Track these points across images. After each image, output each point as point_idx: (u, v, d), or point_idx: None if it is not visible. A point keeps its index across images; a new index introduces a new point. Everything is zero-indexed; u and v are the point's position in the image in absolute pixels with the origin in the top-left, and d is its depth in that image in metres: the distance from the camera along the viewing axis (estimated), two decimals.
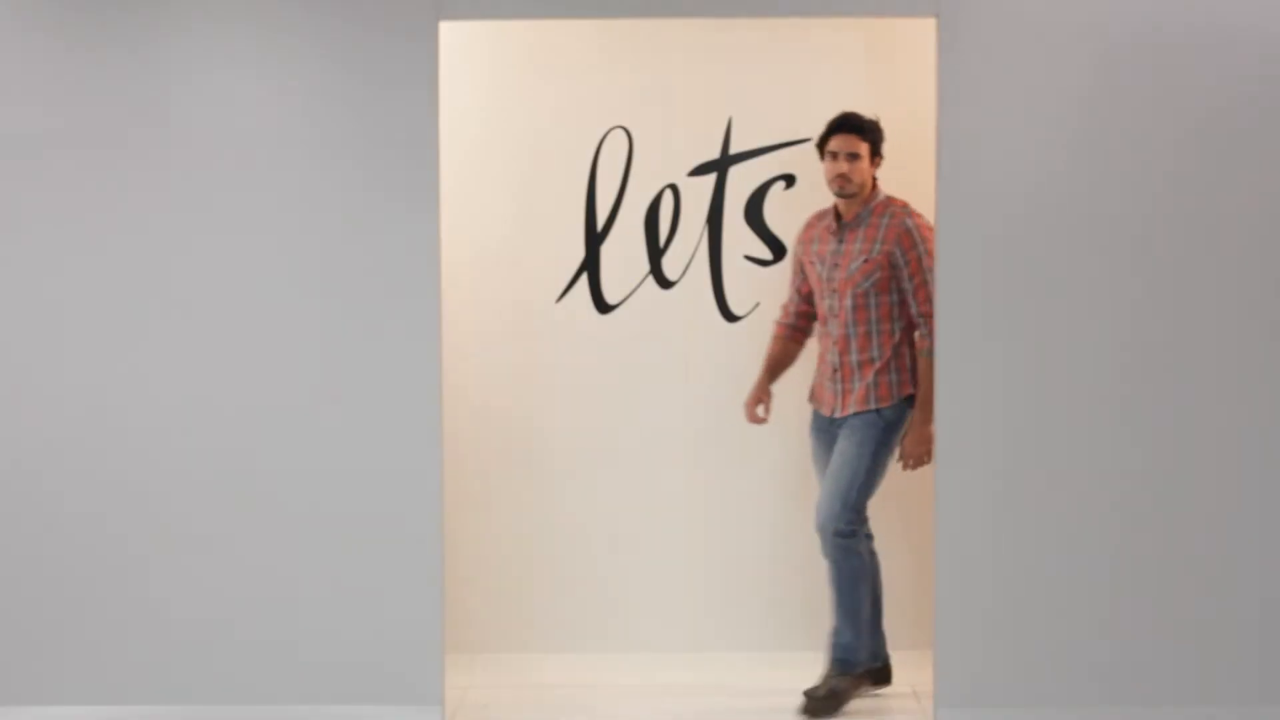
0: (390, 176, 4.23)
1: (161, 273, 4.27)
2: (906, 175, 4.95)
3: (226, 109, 4.24)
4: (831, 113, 5.03)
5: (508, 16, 4.34)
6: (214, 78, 4.24)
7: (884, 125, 4.94)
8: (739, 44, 5.01)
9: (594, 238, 5.08)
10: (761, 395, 4.68)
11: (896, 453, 4.46)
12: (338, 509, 4.29)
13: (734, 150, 5.06)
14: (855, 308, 4.38)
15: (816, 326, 4.59)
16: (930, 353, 4.29)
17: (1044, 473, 4.22)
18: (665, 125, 5.12)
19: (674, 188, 5.08)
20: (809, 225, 4.59)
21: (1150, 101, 4.16)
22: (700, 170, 5.06)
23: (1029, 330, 4.20)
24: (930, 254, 4.29)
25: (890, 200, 4.42)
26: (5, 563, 4.32)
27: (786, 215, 5.02)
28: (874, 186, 4.45)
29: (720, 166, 5.06)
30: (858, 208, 4.42)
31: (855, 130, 4.40)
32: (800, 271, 4.61)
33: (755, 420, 4.69)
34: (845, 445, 4.39)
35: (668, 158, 5.02)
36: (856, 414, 4.40)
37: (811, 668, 4.62)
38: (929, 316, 4.31)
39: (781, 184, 5.06)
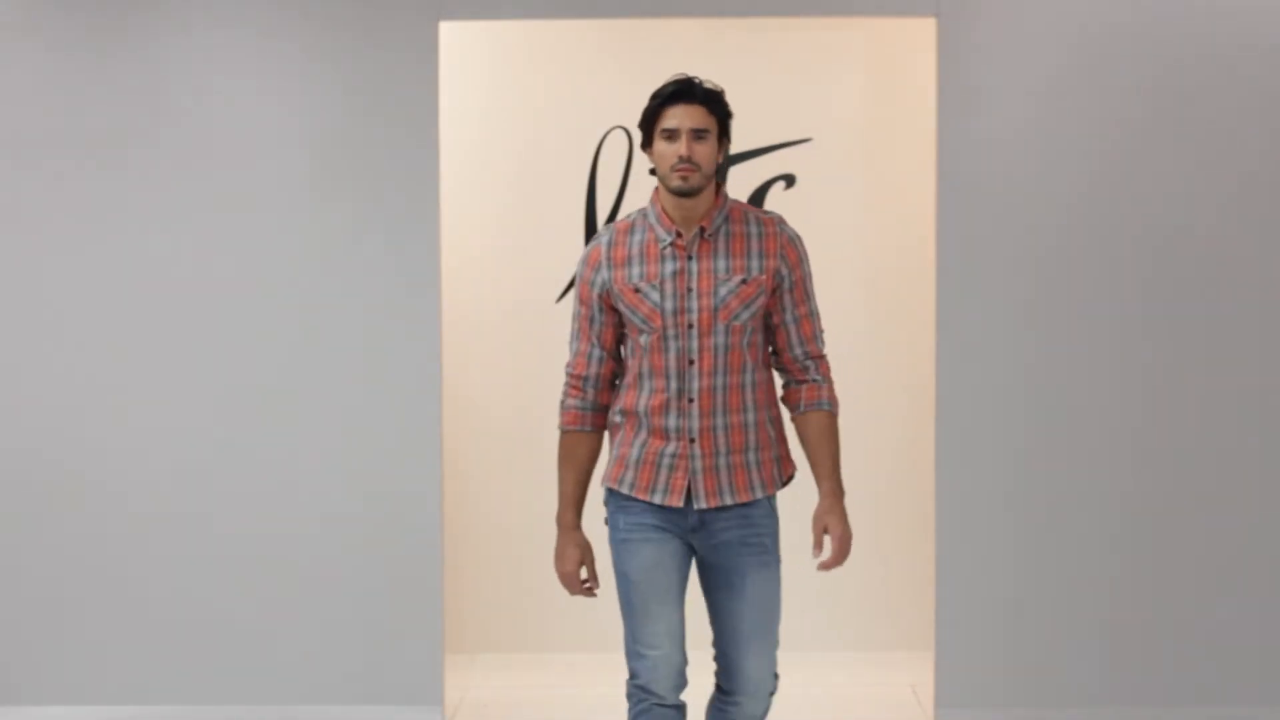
0: (391, 176, 4.23)
1: (162, 273, 4.28)
2: (907, 175, 4.96)
3: (226, 110, 4.25)
4: (832, 112, 5.03)
5: (508, 16, 4.34)
6: (214, 79, 4.25)
7: (884, 125, 4.93)
8: (739, 44, 5.01)
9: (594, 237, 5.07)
10: (582, 553, 3.13)
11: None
12: (338, 509, 4.29)
13: (734, 150, 5.05)
14: (729, 349, 3.03)
15: (637, 385, 3.08)
16: (832, 404, 3.12)
17: (1044, 473, 4.22)
18: None
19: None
20: (613, 244, 3.10)
21: (1149, 101, 4.16)
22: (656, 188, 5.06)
23: (1029, 330, 4.20)
24: (811, 274, 3.17)
25: (743, 204, 3.18)
26: (5, 563, 4.32)
27: (786, 215, 5.01)
28: (718, 185, 3.14)
29: (720, 166, 5.04)
30: (709, 210, 3.07)
31: (703, 99, 3.06)
32: (599, 314, 3.10)
33: (585, 593, 3.16)
34: (752, 561, 3.07)
35: None
36: (743, 505, 3.07)
37: (814, 668, 4.63)
38: (820, 357, 3.14)
39: (781, 184, 5.06)
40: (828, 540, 3.08)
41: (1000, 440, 4.21)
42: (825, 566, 3.08)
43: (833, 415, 3.14)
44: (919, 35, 4.62)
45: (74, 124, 4.25)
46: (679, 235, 3.06)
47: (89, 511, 4.31)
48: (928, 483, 4.40)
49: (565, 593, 3.14)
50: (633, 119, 5.06)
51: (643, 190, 5.05)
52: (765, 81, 5.02)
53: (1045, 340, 4.20)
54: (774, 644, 3.12)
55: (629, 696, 3.10)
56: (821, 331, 3.16)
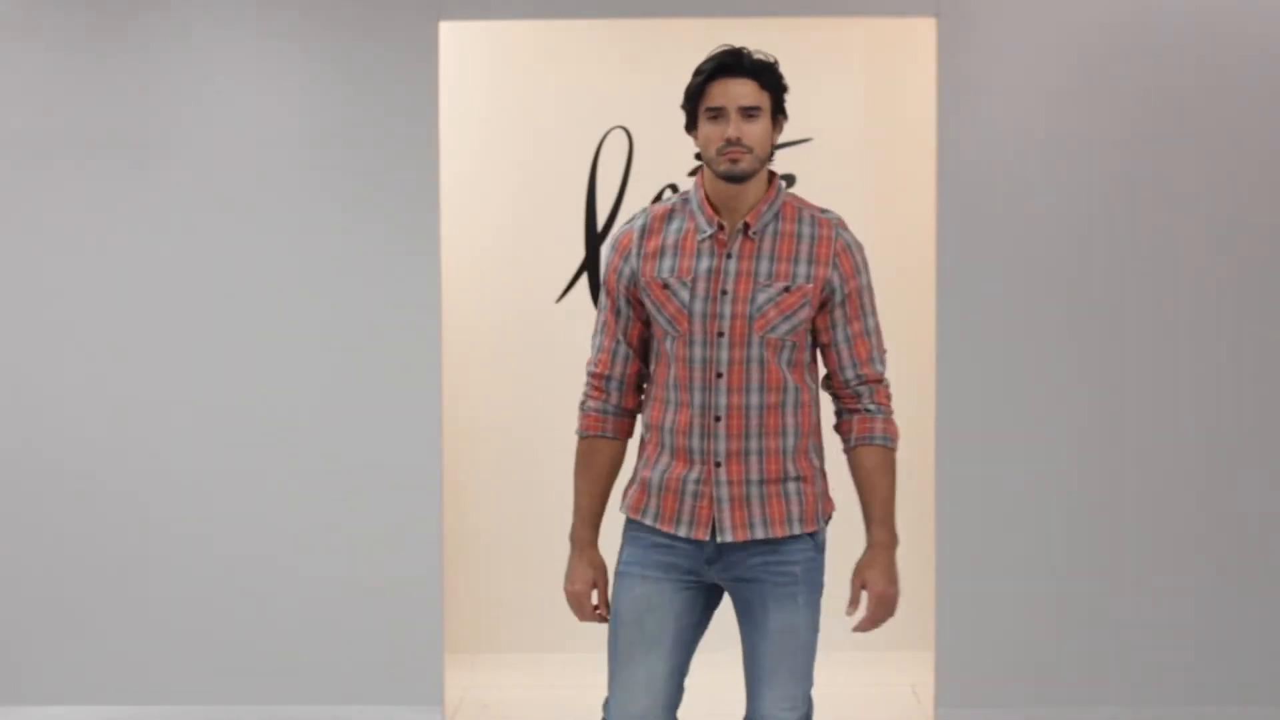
0: (391, 176, 4.23)
1: (161, 273, 4.28)
2: (907, 175, 4.96)
3: (226, 110, 4.25)
4: (832, 112, 5.03)
5: (508, 16, 4.34)
6: (214, 79, 4.25)
7: (884, 125, 4.92)
8: (739, 44, 5.00)
9: (594, 238, 5.07)
10: (595, 574, 2.81)
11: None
12: (338, 509, 4.29)
13: None
14: (763, 365, 2.66)
15: (662, 397, 2.73)
16: (888, 439, 2.74)
17: (1044, 473, 4.22)
18: (665, 125, 5.11)
19: (674, 188, 5.07)
20: (647, 231, 2.74)
21: (1148, 100, 4.16)
22: (699, 170, 5.05)
23: (1029, 330, 4.20)
24: (872, 286, 2.81)
25: (800, 199, 2.78)
26: (6, 563, 4.32)
27: None
28: (771, 173, 2.76)
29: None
30: (757, 204, 2.70)
31: (752, 73, 2.67)
32: (626, 308, 2.76)
33: (596, 618, 2.84)
34: (775, 591, 2.71)
35: (668, 158, 5.02)
36: (774, 542, 2.70)
37: (819, 667, 4.61)
38: (877, 382, 2.76)
39: (781, 184, 5.05)
40: (865, 597, 2.74)
41: (1000, 440, 4.21)
42: (859, 628, 2.76)
43: (888, 451, 2.72)
44: (919, 35, 4.62)
45: (74, 124, 4.25)
46: (721, 228, 2.67)
47: (89, 512, 4.31)
48: (928, 483, 4.40)
49: (565, 592, 2.84)
50: (633, 119, 5.10)
51: (644, 190, 5.05)
52: None
53: (1045, 340, 4.20)
54: (799, 682, 2.75)
55: None
56: (882, 353, 2.77)
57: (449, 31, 4.40)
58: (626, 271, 2.72)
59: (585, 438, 2.79)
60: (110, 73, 4.24)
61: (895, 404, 4.75)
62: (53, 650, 4.33)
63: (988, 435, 4.21)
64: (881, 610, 2.75)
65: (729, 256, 2.67)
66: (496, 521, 5.14)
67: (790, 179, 5.05)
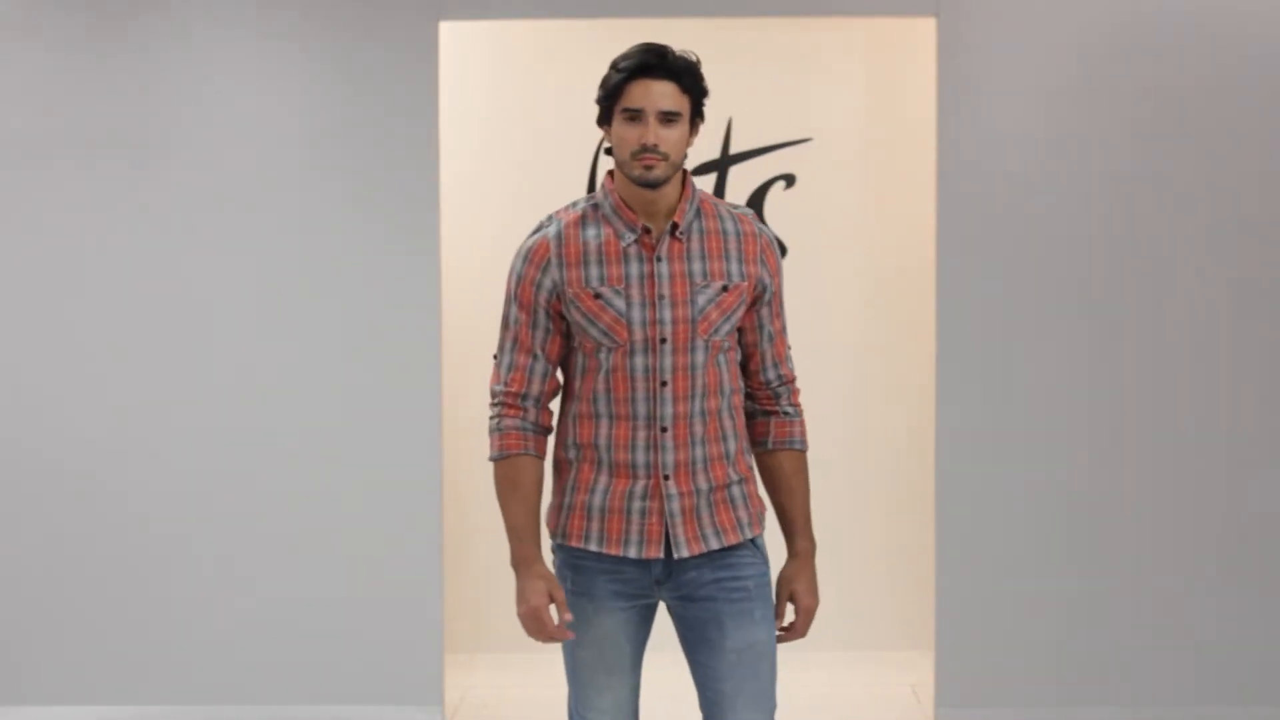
0: (391, 176, 4.23)
1: (161, 273, 4.28)
2: (907, 175, 4.96)
3: (226, 110, 4.25)
4: (832, 112, 5.03)
5: (508, 16, 4.34)
6: (214, 79, 4.25)
7: (884, 125, 4.91)
8: (739, 44, 5.01)
9: None
10: (549, 587, 2.65)
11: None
12: (339, 509, 4.29)
13: (734, 150, 5.05)
14: (705, 368, 2.56)
15: (590, 412, 2.61)
16: (804, 443, 2.68)
17: (1044, 473, 4.22)
18: None
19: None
20: (563, 239, 2.58)
21: (1148, 100, 4.16)
22: (700, 170, 5.06)
23: (1029, 330, 4.20)
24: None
25: (709, 195, 2.67)
26: (5, 563, 4.32)
27: (786, 215, 5.02)
28: (684, 170, 2.63)
29: (720, 166, 5.06)
30: (678, 202, 2.58)
31: (674, 75, 2.52)
32: (546, 320, 2.60)
33: (558, 635, 2.68)
34: (730, 609, 2.59)
35: None
36: (726, 550, 2.60)
37: (814, 668, 4.62)
38: (792, 382, 2.69)
39: (781, 184, 5.06)
40: (790, 608, 2.65)
41: (1000, 440, 4.21)
42: (786, 639, 2.65)
43: (804, 455, 2.67)
44: (919, 35, 4.62)
45: (74, 124, 4.25)
46: (646, 231, 2.55)
47: (89, 511, 4.31)
48: (928, 483, 4.40)
49: (519, 616, 2.72)
50: None
51: None
52: (766, 81, 5.02)
53: (1045, 340, 4.20)
54: (764, 705, 2.60)
55: None
56: (790, 349, 2.69)
57: (449, 31, 4.40)
58: (547, 283, 2.56)
59: (507, 458, 2.61)
60: (110, 73, 4.24)
61: (895, 402, 4.77)
62: (53, 650, 4.33)
63: (988, 435, 4.21)
64: (808, 623, 2.67)
65: (659, 259, 2.55)
66: (496, 521, 5.11)
67: (790, 179, 5.05)
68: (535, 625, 2.61)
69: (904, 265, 5.01)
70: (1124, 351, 4.21)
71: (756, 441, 2.67)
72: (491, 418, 2.63)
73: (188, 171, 4.25)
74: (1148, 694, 4.24)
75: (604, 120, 2.56)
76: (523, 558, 2.62)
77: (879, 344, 5.05)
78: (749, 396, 2.69)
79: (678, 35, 4.94)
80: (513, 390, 2.61)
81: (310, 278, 4.26)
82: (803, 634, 2.67)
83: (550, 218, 2.64)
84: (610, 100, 2.52)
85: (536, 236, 2.61)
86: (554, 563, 2.68)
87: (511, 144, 5.08)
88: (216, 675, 4.32)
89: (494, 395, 2.63)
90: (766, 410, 2.67)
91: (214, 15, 4.24)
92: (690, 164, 4.92)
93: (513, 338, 2.61)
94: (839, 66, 5.06)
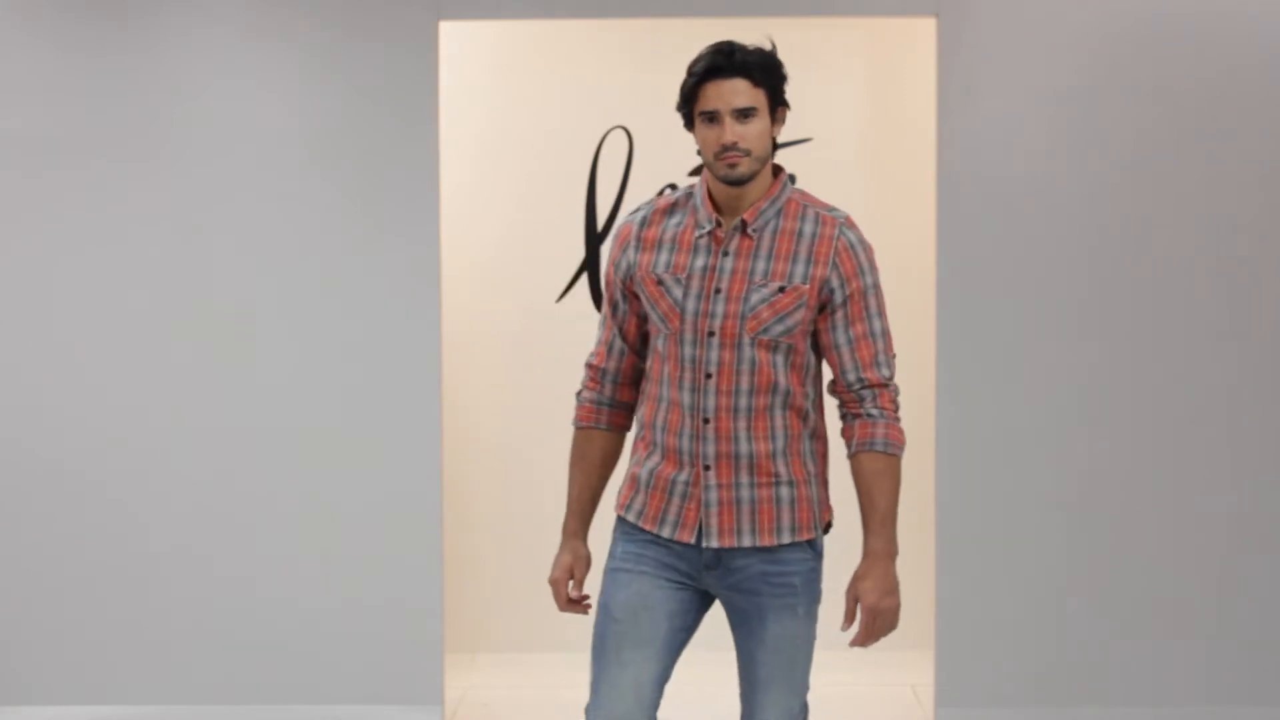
0: (391, 176, 4.23)
1: (161, 273, 4.28)
2: (907, 175, 4.96)
3: (226, 110, 4.25)
4: (832, 112, 5.02)
5: (508, 16, 4.34)
6: (213, 79, 4.25)
7: (884, 125, 4.90)
8: (734, 40, 5.00)
9: (594, 238, 5.07)
10: (574, 561, 2.74)
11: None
12: (338, 510, 4.29)
13: None
14: (754, 366, 2.57)
15: (655, 394, 2.67)
16: (889, 444, 2.61)
17: (1044, 473, 4.22)
18: (665, 125, 5.10)
19: (674, 188, 5.08)
20: (647, 223, 2.68)
21: (1149, 100, 4.16)
22: (700, 170, 5.06)
23: (1029, 330, 4.20)
24: (879, 287, 2.70)
25: (807, 195, 2.70)
26: (5, 563, 4.32)
27: None
28: (777, 168, 2.70)
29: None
30: (758, 200, 2.62)
31: (744, 71, 2.59)
32: (623, 301, 2.70)
33: (576, 608, 2.80)
34: (773, 602, 2.64)
35: (668, 158, 5.02)
36: (773, 549, 2.63)
37: (815, 668, 4.61)
38: (882, 387, 2.63)
39: (788, 180, 5.05)
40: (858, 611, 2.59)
41: (1000, 440, 4.21)
42: (855, 643, 2.61)
43: (890, 458, 2.59)
44: (919, 35, 4.62)
45: (74, 124, 4.25)
46: (719, 225, 2.59)
47: (89, 512, 4.31)
48: (928, 483, 4.40)
49: (549, 582, 2.77)
50: (633, 119, 5.10)
51: (643, 190, 5.05)
52: None
53: (1045, 340, 4.20)
54: (796, 694, 2.68)
55: None
56: (890, 357, 2.63)
57: (449, 31, 4.40)
58: (624, 264, 2.65)
59: (580, 429, 2.73)
60: (110, 73, 4.24)
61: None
62: (53, 650, 4.33)
63: (988, 436, 4.20)
64: (879, 623, 2.59)
65: (725, 254, 2.59)
66: (496, 521, 5.14)
67: (790, 179, 5.05)
68: (555, 594, 2.72)
69: (904, 265, 5.00)
70: (1124, 351, 4.20)
71: (847, 445, 2.64)
72: (580, 388, 2.76)
73: (187, 172, 4.25)
74: (1148, 694, 4.24)
75: (688, 125, 2.62)
76: (566, 529, 2.73)
77: None
78: (837, 400, 2.67)
79: (678, 35, 4.96)
80: (595, 364, 2.73)
81: (310, 277, 4.26)
82: (876, 635, 2.60)
83: (649, 202, 2.73)
84: (688, 105, 2.59)
85: (628, 219, 2.71)
86: (614, 529, 2.74)
87: (511, 144, 5.08)
88: (216, 675, 4.32)
89: (586, 367, 2.76)
90: (853, 414, 2.63)
91: (214, 15, 4.24)
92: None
93: (604, 315, 2.73)
94: (839, 66, 5.06)
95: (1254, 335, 4.20)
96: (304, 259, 4.26)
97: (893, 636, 4.88)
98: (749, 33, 5.03)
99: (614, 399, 2.72)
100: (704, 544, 2.60)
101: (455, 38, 4.62)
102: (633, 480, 2.69)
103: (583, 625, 5.21)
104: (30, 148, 4.26)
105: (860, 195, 5.05)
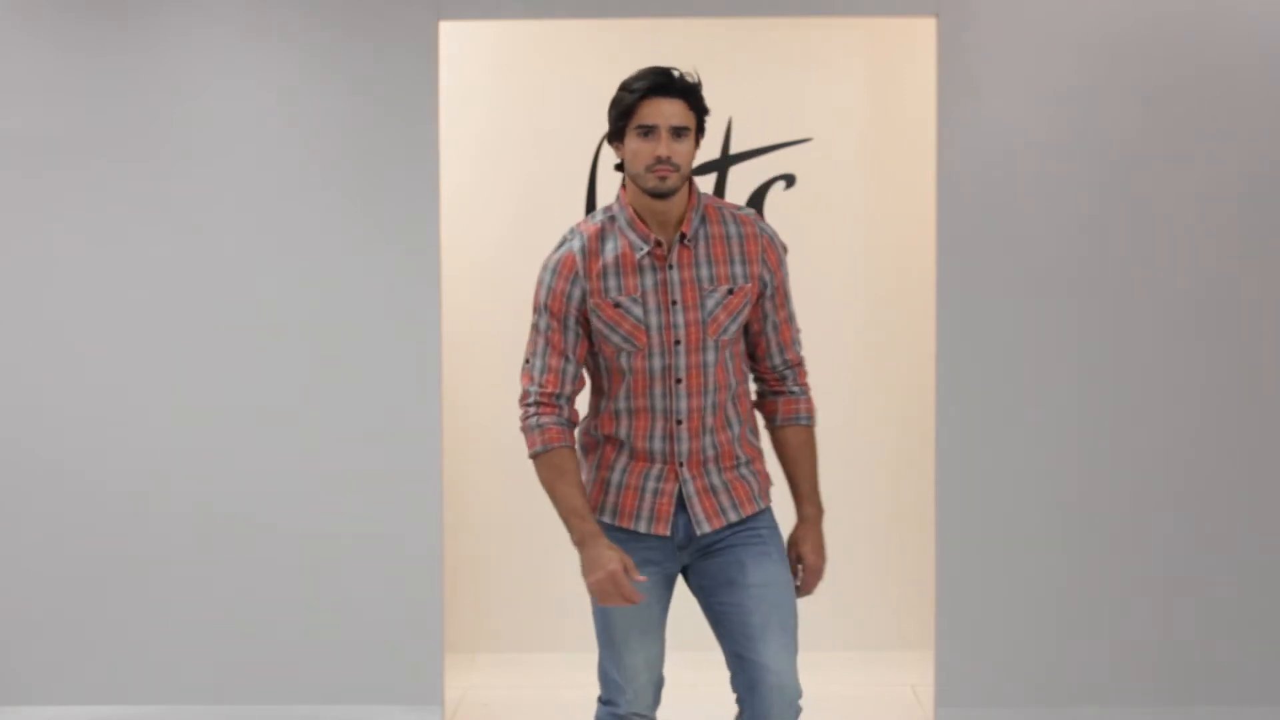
0: (391, 176, 4.23)
1: (160, 274, 4.28)
2: (907, 175, 4.96)
3: (225, 110, 4.25)
4: (832, 112, 5.03)
5: (508, 16, 4.34)
6: (213, 79, 4.25)
7: (884, 125, 4.91)
8: (739, 44, 5.01)
9: None
10: (622, 554, 2.76)
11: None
12: (338, 509, 4.29)
13: (734, 150, 5.05)
14: (716, 366, 2.82)
15: (612, 408, 2.89)
16: (810, 418, 2.94)
17: (1044, 473, 4.22)
18: None
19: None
20: (587, 253, 2.83)
21: (1149, 100, 4.16)
22: (700, 170, 5.06)
23: (1029, 329, 4.20)
24: (789, 272, 2.94)
25: (712, 198, 2.91)
26: (5, 563, 4.32)
27: (786, 215, 5.02)
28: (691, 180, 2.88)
29: (720, 166, 5.06)
30: (685, 213, 2.83)
31: (683, 94, 2.78)
32: (573, 327, 2.85)
33: (635, 598, 2.76)
34: (750, 551, 2.84)
35: None
36: (744, 521, 2.87)
37: (814, 668, 4.61)
38: (799, 365, 2.95)
39: (781, 184, 5.06)
40: (800, 569, 2.90)
41: (1000, 440, 4.21)
42: (801, 595, 2.90)
43: (811, 429, 2.93)
44: (919, 35, 4.62)
45: (74, 124, 4.25)
46: (658, 244, 2.79)
47: (89, 512, 4.31)
48: (928, 483, 4.40)
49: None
50: None
51: None
52: (766, 81, 5.02)
53: (1045, 339, 4.20)
54: (791, 633, 2.80)
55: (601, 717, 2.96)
56: (799, 333, 2.93)
57: (449, 31, 4.40)
58: (576, 294, 2.81)
59: (550, 450, 2.83)
60: (110, 73, 4.24)
61: (895, 402, 4.77)
62: (53, 650, 4.34)
63: (988, 436, 4.21)
64: (815, 581, 2.93)
65: (671, 267, 2.80)
66: (496, 521, 5.14)
67: (790, 179, 5.05)
68: (613, 588, 2.73)
69: (904, 265, 5.01)
70: (1125, 351, 4.20)
71: (768, 419, 2.94)
72: (529, 416, 2.87)
73: (187, 172, 4.25)
74: (1148, 694, 4.24)
75: (616, 138, 2.79)
76: (589, 532, 2.77)
77: (879, 344, 5.05)
78: (759, 379, 2.95)
79: (678, 35, 4.97)
80: (548, 390, 2.86)
81: (310, 278, 4.26)
82: (809, 591, 2.93)
83: (573, 231, 2.87)
84: (624, 119, 2.76)
85: (563, 250, 2.84)
86: None
87: (511, 144, 5.08)
88: (216, 675, 4.32)
89: (528, 395, 2.89)
90: (775, 391, 2.94)
91: (214, 15, 4.24)
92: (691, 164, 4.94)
93: (545, 343, 2.86)
94: (839, 66, 5.06)
95: (1255, 335, 4.20)
96: (304, 259, 4.26)
97: (893, 636, 4.89)
98: (749, 32, 5.05)
99: (570, 419, 2.87)
100: (697, 532, 2.82)
101: (455, 38, 4.62)
102: (601, 484, 2.88)
103: (582, 626, 5.22)
104: (30, 148, 4.26)
105: (860, 195, 5.05)
